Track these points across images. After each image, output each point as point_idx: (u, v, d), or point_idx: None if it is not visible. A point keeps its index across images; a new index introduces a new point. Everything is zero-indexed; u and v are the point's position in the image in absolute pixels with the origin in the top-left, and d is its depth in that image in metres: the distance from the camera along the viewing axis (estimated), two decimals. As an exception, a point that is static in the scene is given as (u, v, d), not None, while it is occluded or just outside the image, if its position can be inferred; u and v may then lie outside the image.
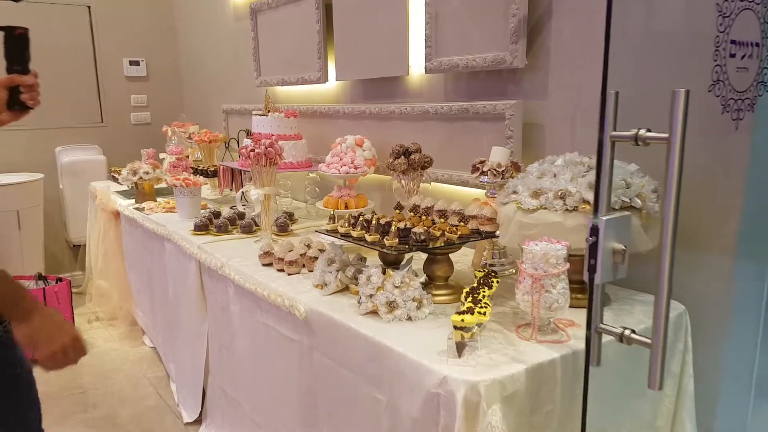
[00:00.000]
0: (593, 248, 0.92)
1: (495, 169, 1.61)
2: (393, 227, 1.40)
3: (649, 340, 0.96)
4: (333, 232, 1.60)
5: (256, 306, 1.74)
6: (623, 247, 0.94)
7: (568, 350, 1.16)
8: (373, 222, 1.47)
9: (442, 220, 1.54)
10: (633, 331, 1.00)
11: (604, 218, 0.92)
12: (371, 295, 1.35)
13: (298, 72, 2.72)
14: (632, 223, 1.21)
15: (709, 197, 1.38)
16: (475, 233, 1.50)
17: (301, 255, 1.80)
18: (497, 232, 1.48)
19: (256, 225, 2.28)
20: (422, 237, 1.40)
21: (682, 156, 0.91)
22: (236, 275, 1.81)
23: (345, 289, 1.55)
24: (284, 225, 2.27)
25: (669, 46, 1.41)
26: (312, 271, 1.74)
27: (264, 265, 1.85)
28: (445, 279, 1.49)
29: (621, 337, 1.00)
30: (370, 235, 1.46)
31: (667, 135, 0.90)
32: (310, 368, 1.50)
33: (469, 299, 1.18)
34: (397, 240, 1.40)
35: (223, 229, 2.25)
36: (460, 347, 1.10)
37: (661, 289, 0.93)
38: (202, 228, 2.25)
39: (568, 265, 1.18)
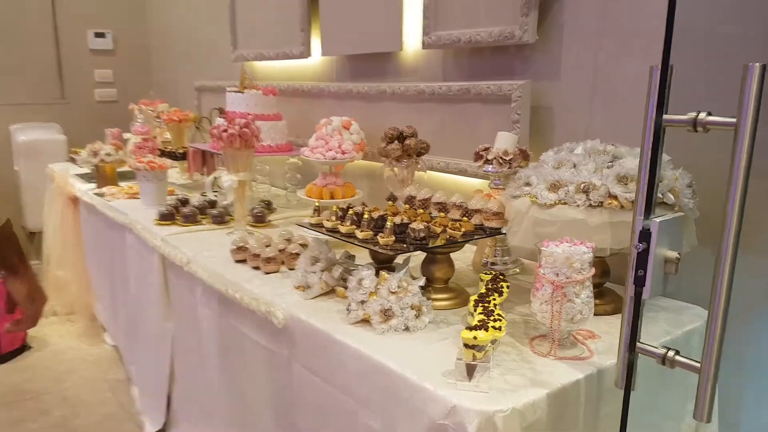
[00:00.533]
0: (642, 257, 0.75)
1: (501, 157, 1.43)
2: (389, 223, 1.21)
3: (698, 364, 0.79)
4: (318, 227, 1.40)
5: (227, 309, 1.53)
6: (677, 255, 0.77)
7: (591, 369, 0.99)
8: (365, 216, 1.28)
9: (442, 214, 1.36)
10: (677, 352, 0.83)
11: (658, 220, 0.75)
12: (363, 302, 1.16)
13: (279, 46, 2.49)
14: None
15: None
16: (479, 230, 1.32)
17: (280, 251, 1.59)
18: (504, 229, 1.30)
19: (229, 215, 2.07)
20: (422, 234, 1.21)
21: (752, 145, 0.73)
22: (205, 273, 1.60)
23: (331, 292, 1.36)
24: (261, 215, 2.06)
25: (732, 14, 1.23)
26: (293, 269, 1.54)
27: (237, 261, 1.64)
28: (445, 281, 1.30)
29: (663, 360, 0.83)
30: (362, 231, 1.27)
31: (734, 119, 0.73)
32: (289, 382, 1.30)
33: (479, 310, 1.00)
34: (393, 238, 1.21)
35: (191, 219, 2.03)
36: (471, 369, 0.92)
37: (716, 305, 0.76)
38: (167, 217, 2.03)
39: (593, 271, 1.00)
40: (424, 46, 1.80)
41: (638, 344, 0.86)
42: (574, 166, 1.16)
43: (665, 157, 1.14)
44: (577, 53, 1.47)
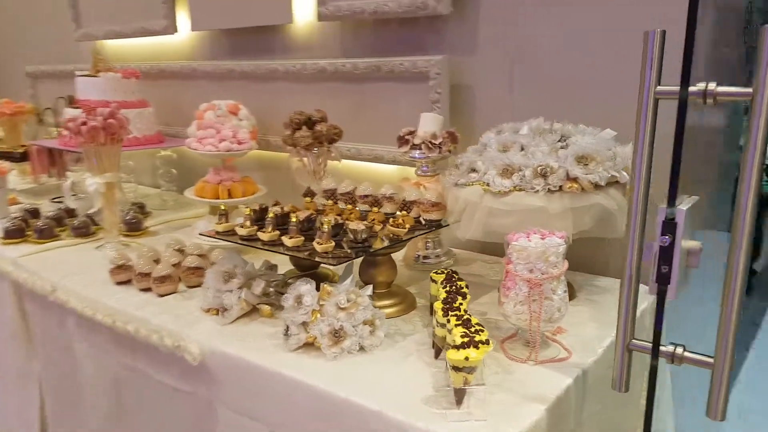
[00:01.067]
0: (667, 252, 0.66)
1: (430, 142, 1.30)
2: (325, 225, 1.02)
3: (710, 360, 0.73)
4: (228, 235, 1.17)
5: (115, 344, 1.25)
6: (700, 245, 0.69)
7: (576, 371, 0.91)
8: (293, 219, 1.08)
9: (375, 209, 1.19)
10: (685, 348, 0.76)
11: (684, 208, 0.66)
12: (304, 323, 0.97)
13: (136, 21, 2.12)
14: (612, 204, 0.99)
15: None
16: (418, 223, 1.19)
17: (173, 266, 1.33)
18: (446, 221, 1.18)
19: (95, 224, 1.73)
20: (363, 236, 1.04)
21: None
22: (79, 303, 1.29)
23: (252, 312, 1.15)
24: (136, 222, 1.74)
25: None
26: (193, 287, 1.29)
27: (119, 283, 1.35)
28: (388, 285, 1.15)
29: (672, 357, 0.76)
30: (291, 237, 1.06)
31: (750, 89, 0.66)
32: (211, 429, 1.08)
33: (453, 321, 0.86)
34: (332, 243, 1.02)
35: (46, 234, 1.65)
36: (460, 394, 0.79)
37: (732, 294, 0.70)
38: (14, 234, 1.63)
39: (566, 264, 0.91)
40: (320, 18, 1.60)
41: (635, 341, 0.78)
42: (522, 149, 1.07)
43: (609, 132, 1.08)
44: (494, 25, 1.38)
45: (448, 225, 1.17)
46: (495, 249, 1.42)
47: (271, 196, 1.58)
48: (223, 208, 1.22)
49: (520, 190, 1.01)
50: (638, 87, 0.70)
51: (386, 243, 1.08)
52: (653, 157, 0.72)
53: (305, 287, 0.98)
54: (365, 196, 1.28)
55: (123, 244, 1.64)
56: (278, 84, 1.77)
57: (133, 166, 2.27)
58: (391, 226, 1.11)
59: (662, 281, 0.65)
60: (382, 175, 1.59)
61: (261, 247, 1.10)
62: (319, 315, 0.97)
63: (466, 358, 0.76)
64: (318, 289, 1.00)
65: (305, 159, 1.46)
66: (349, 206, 1.22)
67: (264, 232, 1.11)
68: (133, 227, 1.74)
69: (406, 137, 1.33)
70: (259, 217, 1.21)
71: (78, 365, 1.37)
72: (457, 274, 1.06)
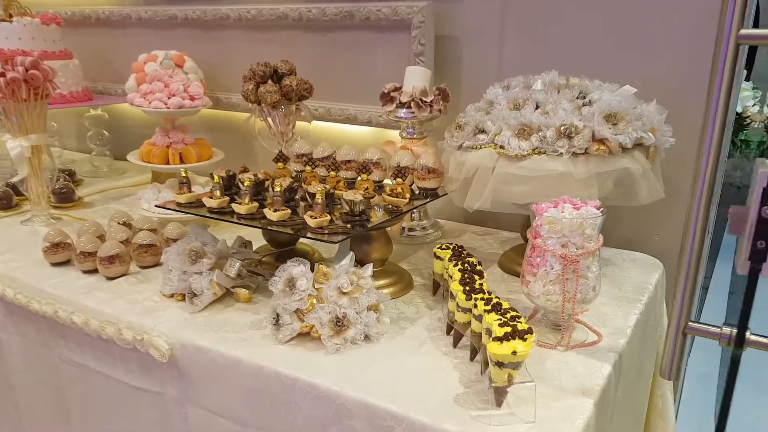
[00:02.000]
0: (766, 224, 0.56)
1: (420, 99, 1.15)
2: (318, 196, 0.87)
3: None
4: (194, 207, 0.99)
5: (55, 336, 1.05)
6: (789, 216, 0.60)
7: (612, 356, 0.81)
8: (277, 188, 0.91)
9: (365, 176, 1.05)
10: (745, 329, 0.68)
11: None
12: (298, 311, 0.83)
13: (54, -44, 1.81)
14: (638, 168, 0.90)
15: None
16: (418, 193, 1.05)
17: (122, 242, 1.14)
18: (444, 190, 1.05)
19: (18, 194, 1.48)
20: (361, 207, 0.90)
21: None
22: (8, 288, 1.08)
23: (225, 296, 0.99)
24: (67, 192, 1.51)
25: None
26: (147, 268, 1.11)
27: (55, 264, 1.15)
28: (382, 263, 1.02)
29: (729, 340, 0.68)
30: (276, 209, 0.90)
31: None
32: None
33: (482, 305, 0.75)
34: (327, 217, 0.87)
35: (-42, 207, 1.40)
36: (502, 393, 0.68)
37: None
38: None
39: (601, 237, 0.81)
40: (283, -44, 1.40)
41: (692, 325, 0.70)
42: (537, 106, 0.95)
43: (629, 88, 0.98)
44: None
45: (446, 194, 1.05)
46: (482, 219, 1.32)
47: (229, 161, 1.40)
48: (184, 174, 1.03)
49: (541, 153, 0.89)
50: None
51: (384, 215, 0.94)
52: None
53: (298, 269, 0.83)
54: (348, 162, 1.13)
55: (53, 218, 1.41)
56: (229, 33, 1.56)
57: (56, 128, 1.98)
58: (388, 195, 0.97)
59: (757, 259, 0.56)
60: (355, 137, 1.44)
61: (238, 221, 0.93)
62: (315, 301, 0.83)
63: (514, 353, 0.64)
64: (313, 269, 0.85)
65: (270, 119, 1.28)
66: (333, 173, 1.07)
67: (239, 203, 0.94)
68: (64, 198, 1.51)
69: (392, 94, 1.18)
70: (227, 185, 1.04)
71: (6, 362, 1.16)
72: (464, 250, 0.94)
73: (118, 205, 1.51)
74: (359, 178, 1.04)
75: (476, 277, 0.83)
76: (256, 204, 0.94)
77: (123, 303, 0.99)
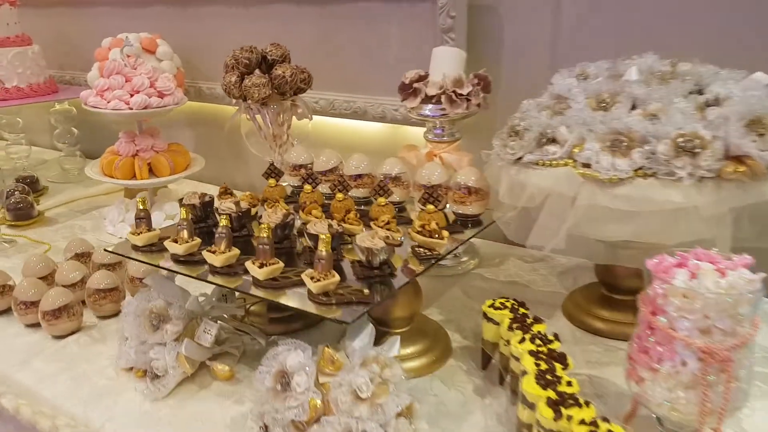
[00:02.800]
0: None
1: (454, 92, 0.87)
2: (323, 248, 0.59)
3: None
4: (152, 254, 0.72)
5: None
6: None
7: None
8: (263, 234, 0.63)
9: (382, 200, 0.77)
10: None
11: None
12: (295, 422, 0.56)
13: None
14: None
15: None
16: (456, 223, 0.78)
17: (75, 285, 0.88)
18: (483, 216, 0.77)
19: (-36, 212, 1.23)
20: (383, 257, 0.62)
21: None
22: None
23: (202, 368, 0.72)
24: (25, 208, 1.25)
25: None
26: (106, 318, 0.86)
27: (-9, 315, 0.90)
28: (409, 320, 0.74)
29: None
30: (262, 265, 0.63)
31: None
32: None
33: (582, 430, 0.48)
34: (334, 277, 0.60)
35: None
36: None
37: None
38: None
39: (758, 318, 0.53)
40: None
41: None
42: (634, 105, 0.66)
43: (763, 76, 0.69)
44: None
45: (493, 223, 0.77)
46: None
47: (211, 169, 1.12)
48: (141, 206, 0.76)
49: (647, 175, 0.61)
50: None
51: (413, 263, 0.67)
52: None
53: (294, 359, 0.57)
54: (358, 177, 0.86)
55: (5, 241, 1.16)
56: (211, 9, 1.27)
57: (21, 124, 1.71)
58: (418, 233, 0.69)
59: None
60: (366, 137, 1.16)
61: (212, 280, 0.66)
62: (320, 404, 0.56)
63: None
64: (321, 354, 0.58)
65: (259, 117, 1.01)
66: (340, 195, 0.79)
67: (213, 251, 0.67)
68: (21, 215, 1.26)
69: (415, 86, 0.90)
70: (201, 216, 0.77)
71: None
72: (526, 309, 0.67)
73: (84, 222, 1.26)
74: (375, 200, 0.77)
75: (559, 367, 0.56)
76: (235, 252, 0.67)
77: (68, 380, 0.74)
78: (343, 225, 0.72)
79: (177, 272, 0.68)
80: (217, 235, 0.66)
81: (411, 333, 0.74)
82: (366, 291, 0.59)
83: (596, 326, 0.77)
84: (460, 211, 0.79)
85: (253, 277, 0.63)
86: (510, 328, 0.64)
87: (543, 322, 0.65)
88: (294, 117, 1.03)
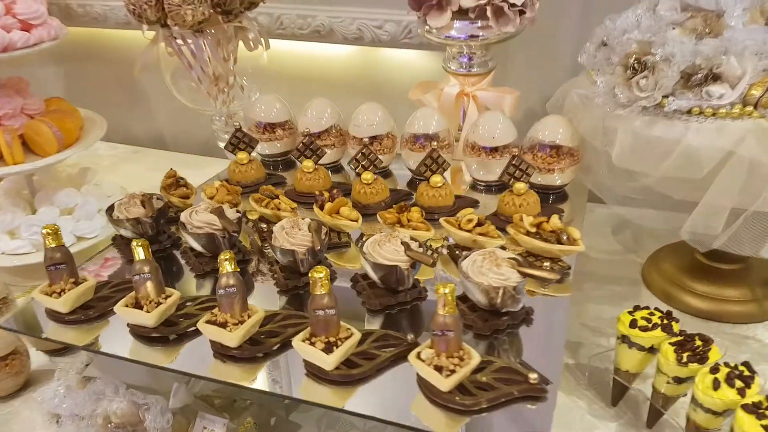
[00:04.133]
0: None
1: (507, 2, 0.59)
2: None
3: None
4: (92, 322, 0.42)
5: None
6: None
7: None
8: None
9: (442, 181, 0.51)
10: None
11: None
12: None
13: None
14: None
15: None
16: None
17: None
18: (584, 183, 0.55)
19: None
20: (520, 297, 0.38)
21: None
22: None
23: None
24: None
25: None
26: (2, 397, 0.54)
27: None
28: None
29: None
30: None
31: None
32: None
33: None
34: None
35: None
36: None
37: None
38: None
39: None
40: None
41: None
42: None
43: None
44: None
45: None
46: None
47: (121, 124, 0.77)
48: (53, 241, 0.43)
49: None
50: None
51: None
52: None
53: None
54: (372, 139, 0.59)
55: None
56: None
57: None
58: (528, 234, 0.45)
59: None
60: (335, 71, 0.85)
61: (229, 380, 0.38)
62: None
63: None
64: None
65: (186, 50, 0.66)
66: (367, 174, 0.52)
67: (224, 322, 0.38)
68: None
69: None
70: (151, 235, 0.47)
71: None
72: (675, 320, 0.48)
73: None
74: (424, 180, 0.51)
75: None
76: (260, 316, 0.39)
77: None
78: (399, 229, 0.46)
79: (163, 368, 0.38)
80: (222, 292, 0.37)
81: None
82: (533, 377, 0.35)
83: (687, 302, 0.59)
84: (542, 184, 0.55)
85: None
86: (679, 361, 0.44)
87: (711, 342, 0.46)
88: (242, 45, 0.70)
